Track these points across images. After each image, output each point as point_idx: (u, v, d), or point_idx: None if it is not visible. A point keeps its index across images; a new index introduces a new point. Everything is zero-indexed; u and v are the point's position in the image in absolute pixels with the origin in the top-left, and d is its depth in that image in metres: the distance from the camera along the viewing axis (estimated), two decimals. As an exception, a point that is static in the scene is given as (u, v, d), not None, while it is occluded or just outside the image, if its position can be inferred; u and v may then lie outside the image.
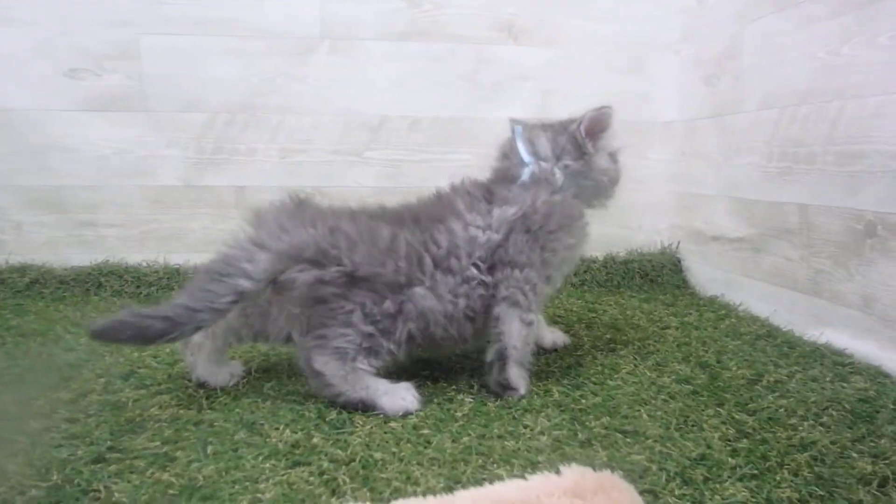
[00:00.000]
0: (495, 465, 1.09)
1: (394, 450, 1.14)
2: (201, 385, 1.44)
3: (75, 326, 1.87)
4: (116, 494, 1.00)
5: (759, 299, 2.03)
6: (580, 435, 1.20)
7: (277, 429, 1.22)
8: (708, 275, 2.35)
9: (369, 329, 1.34)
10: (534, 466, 1.08)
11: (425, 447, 1.15)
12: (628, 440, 1.18)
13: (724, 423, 1.24)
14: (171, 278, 2.32)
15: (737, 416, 1.27)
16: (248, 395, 1.39)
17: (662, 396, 1.38)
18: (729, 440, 1.17)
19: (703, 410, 1.30)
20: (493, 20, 2.44)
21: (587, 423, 1.25)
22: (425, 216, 1.45)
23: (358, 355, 1.33)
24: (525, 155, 1.54)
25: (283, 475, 1.05)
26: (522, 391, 1.40)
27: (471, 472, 1.06)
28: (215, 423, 1.25)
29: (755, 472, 1.06)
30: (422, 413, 1.30)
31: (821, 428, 1.21)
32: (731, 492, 1.00)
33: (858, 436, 1.18)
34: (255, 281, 1.27)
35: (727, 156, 2.18)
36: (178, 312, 1.23)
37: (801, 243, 1.82)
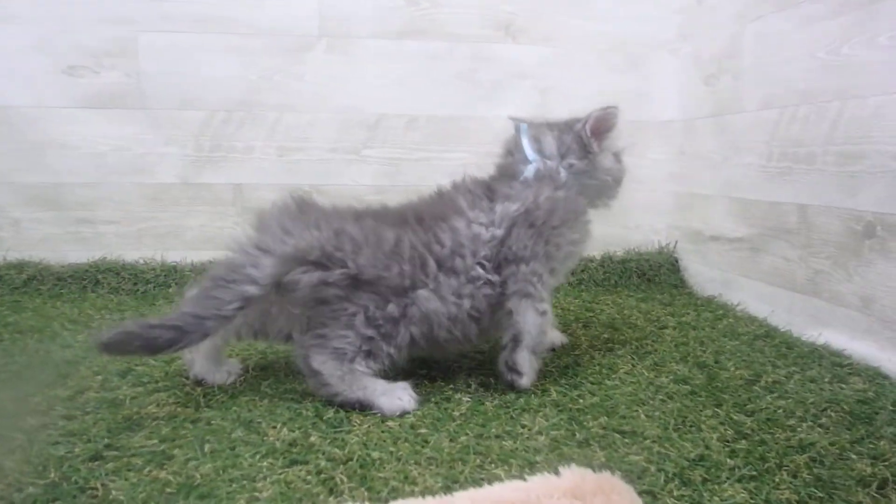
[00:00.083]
0: (493, 465, 1.08)
1: (391, 449, 1.14)
2: (199, 383, 1.43)
3: (72, 323, 1.87)
4: (114, 492, 1.00)
5: (757, 299, 2.03)
6: (578, 435, 1.20)
7: (275, 427, 1.22)
8: (706, 275, 2.35)
9: (370, 333, 1.34)
10: (532, 466, 1.08)
11: (423, 446, 1.15)
12: (626, 440, 1.18)
13: (722, 423, 1.24)
14: (169, 276, 2.32)
15: (735, 417, 1.26)
16: (245, 394, 1.39)
17: (660, 396, 1.37)
18: (727, 441, 1.17)
19: (701, 411, 1.30)
20: (492, 19, 2.44)
21: (585, 423, 1.24)
22: (428, 215, 1.45)
23: (356, 357, 1.33)
24: (530, 152, 1.54)
25: (280, 474, 1.05)
26: (526, 380, 1.40)
27: (468, 471, 1.06)
28: (213, 422, 1.24)
29: (754, 473, 1.06)
30: (419, 412, 1.30)
31: (819, 429, 1.21)
32: (729, 493, 1.00)
33: (857, 437, 1.17)
34: (260, 286, 1.27)
35: (726, 155, 2.18)
36: (186, 321, 1.23)
37: (800, 243, 1.82)
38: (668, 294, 2.34)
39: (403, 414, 1.29)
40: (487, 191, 1.50)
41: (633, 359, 1.61)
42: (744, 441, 1.17)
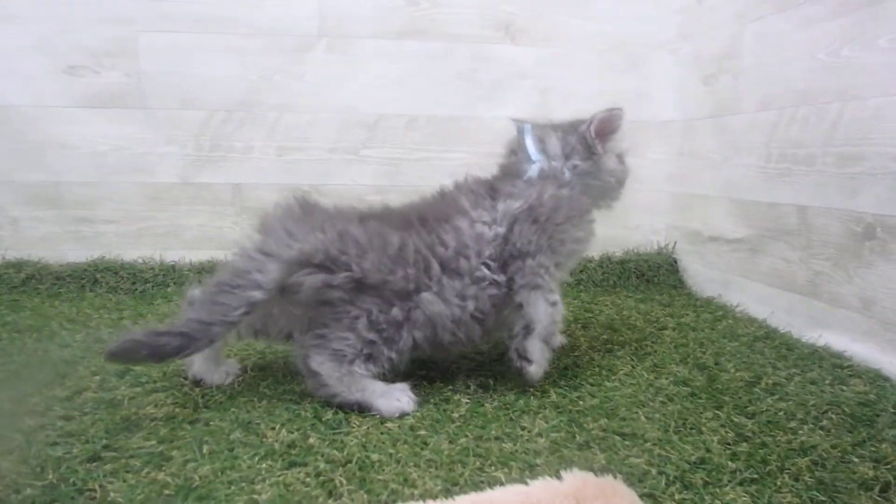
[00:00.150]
0: (493, 468, 1.08)
1: (390, 451, 1.14)
2: (197, 383, 1.43)
3: (71, 322, 1.87)
4: (112, 494, 0.99)
5: (756, 300, 2.02)
6: (578, 437, 1.19)
7: (273, 428, 1.21)
8: (705, 275, 2.35)
9: (372, 336, 1.34)
10: (532, 469, 1.07)
11: (422, 448, 1.15)
12: (627, 443, 1.17)
13: (723, 426, 1.23)
14: (167, 275, 2.32)
15: (736, 419, 1.26)
16: (243, 394, 1.38)
17: (660, 398, 1.37)
18: (728, 444, 1.17)
19: (701, 413, 1.29)
20: (492, 19, 2.43)
21: (585, 425, 1.24)
22: (431, 216, 1.45)
23: (356, 359, 1.33)
24: (534, 153, 1.54)
25: (279, 476, 1.05)
26: (535, 368, 1.39)
27: (468, 474, 1.06)
28: (211, 423, 1.24)
29: (755, 476, 1.06)
30: (418, 414, 1.29)
31: (821, 432, 1.21)
32: (731, 497, 1.00)
33: (859, 440, 1.17)
34: (266, 291, 1.27)
35: (726, 156, 2.18)
36: (192, 328, 1.23)
37: (800, 245, 1.82)
38: (668, 295, 2.33)
39: (402, 415, 1.28)
40: (490, 190, 1.50)
41: (632, 360, 1.61)
42: (745, 444, 1.16)
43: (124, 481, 1.03)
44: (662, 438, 1.18)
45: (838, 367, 1.55)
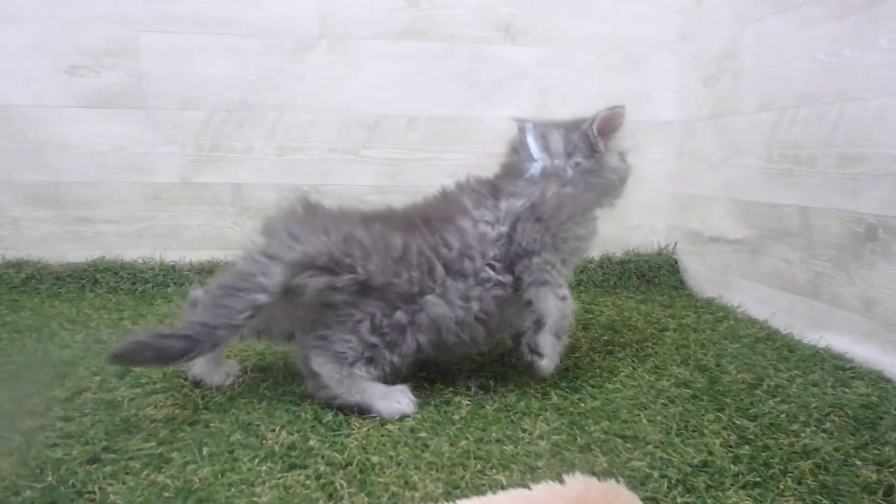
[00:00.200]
0: (494, 471, 1.07)
1: (391, 453, 1.13)
2: (197, 384, 1.43)
3: (70, 323, 1.87)
4: (112, 496, 0.99)
5: (757, 301, 2.02)
6: (579, 440, 1.19)
7: (273, 430, 1.21)
8: (705, 276, 2.35)
9: (374, 340, 1.33)
10: (533, 472, 1.07)
11: (423, 451, 1.14)
12: (628, 445, 1.17)
13: (725, 428, 1.23)
14: (167, 275, 2.32)
15: (738, 422, 1.26)
16: (243, 396, 1.38)
17: (662, 400, 1.37)
18: (730, 446, 1.16)
19: (703, 415, 1.29)
20: (492, 20, 2.43)
21: (586, 428, 1.24)
22: (434, 217, 1.44)
23: (357, 362, 1.32)
24: (536, 151, 1.54)
25: (279, 478, 1.04)
26: (547, 362, 1.39)
27: (469, 477, 1.05)
28: (211, 424, 1.24)
29: (758, 479, 1.05)
30: (419, 416, 1.29)
31: (823, 434, 1.20)
32: (734, 500, 0.99)
33: (862, 443, 1.17)
34: (270, 294, 1.27)
35: (725, 157, 2.17)
36: (196, 331, 1.23)
37: (801, 246, 1.81)
38: (668, 296, 2.33)
39: (402, 417, 1.28)
40: (492, 189, 1.50)
41: (633, 362, 1.61)
42: (747, 446, 1.16)
43: (124, 483, 1.02)
44: (664, 441, 1.18)
45: (840, 368, 1.54)
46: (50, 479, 1.03)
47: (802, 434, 1.20)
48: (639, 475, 1.06)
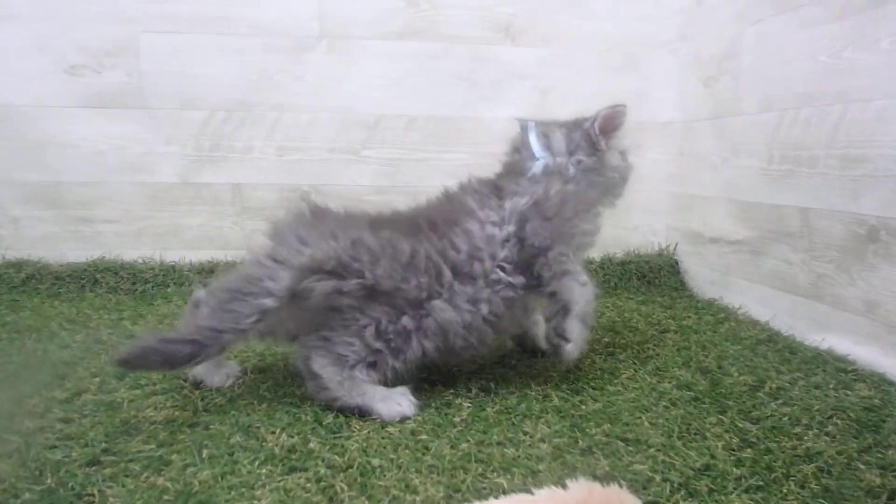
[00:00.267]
0: (495, 474, 1.07)
1: (392, 456, 1.13)
2: (197, 385, 1.42)
3: (70, 323, 1.87)
4: (111, 499, 0.99)
5: (758, 303, 2.01)
6: (581, 443, 1.18)
7: (274, 433, 1.21)
8: (706, 277, 2.34)
9: (378, 346, 1.33)
10: (535, 475, 1.06)
11: (423, 453, 1.14)
12: (630, 449, 1.16)
13: (727, 431, 1.22)
14: (167, 275, 2.32)
15: (740, 425, 1.25)
16: (243, 397, 1.37)
17: (663, 403, 1.36)
18: (733, 450, 1.16)
19: (705, 418, 1.28)
20: (491, 21, 2.43)
21: (588, 431, 1.23)
22: (441, 220, 1.44)
23: (358, 365, 1.32)
24: (538, 149, 1.55)
25: (279, 481, 1.04)
26: (572, 347, 1.40)
27: (470, 480, 1.05)
28: (211, 426, 1.23)
29: (761, 483, 1.04)
30: (419, 418, 1.29)
31: (826, 438, 1.19)
32: (736, 504, 0.99)
33: (865, 446, 1.16)
34: (277, 298, 1.27)
35: (725, 157, 2.17)
36: (204, 335, 1.23)
37: (802, 247, 1.81)
38: (669, 297, 2.32)
39: (403, 419, 1.28)
40: (495, 189, 1.50)
41: (634, 363, 1.60)
42: (749, 449, 1.15)
43: (123, 486, 1.02)
44: (666, 444, 1.17)
45: (842, 370, 1.54)
46: (49, 481, 1.02)
47: (805, 437, 1.19)
48: (641, 479, 1.06)
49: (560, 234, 1.43)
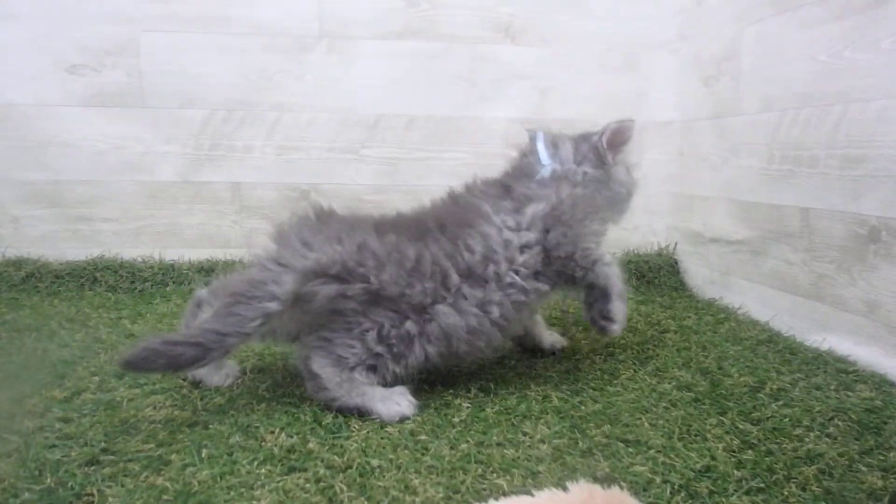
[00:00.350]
0: (495, 475, 1.07)
1: (391, 456, 1.12)
2: (196, 385, 1.42)
3: (70, 322, 1.86)
4: (110, 499, 0.99)
5: (758, 303, 2.01)
6: (581, 444, 1.18)
7: (273, 433, 1.20)
8: (705, 277, 2.34)
9: (380, 350, 1.33)
10: (535, 477, 1.06)
11: (423, 454, 1.14)
12: (630, 450, 1.16)
13: (727, 432, 1.22)
14: (166, 274, 2.32)
15: (741, 426, 1.25)
16: (242, 397, 1.37)
17: (664, 404, 1.36)
18: (733, 451, 1.15)
19: (705, 419, 1.28)
20: (491, 21, 2.43)
21: (588, 432, 1.23)
22: (451, 222, 1.44)
23: (358, 367, 1.32)
24: (545, 157, 1.55)
25: (278, 481, 1.04)
26: (618, 327, 1.48)
27: (470, 481, 1.04)
28: (210, 426, 1.23)
29: (762, 485, 1.04)
30: (419, 418, 1.28)
31: (827, 439, 1.19)
32: (737, 506, 0.99)
33: (866, 448, 1.16)
34: (282, 302, 1.27)
35: (725, 157, 2.17)
36: (208, 338, 1.22)
37: (803, 247, 1.81)
38: (668, 297, 2.32)
39: (402, 420, 1.27)
40: (503, 190, 1.51)
41: (634, 364, 1.60)
42: (750, 451, 1.15)
43: (122, 486, 1.02)
44: (666, 445, 1.17)
45: (843, 371, 1.53)
46: (49, 480, 1.02)
47: (806, 439, 1.19)
48: (641, 480, 1.05)
49: (579, 235, 1.45)
